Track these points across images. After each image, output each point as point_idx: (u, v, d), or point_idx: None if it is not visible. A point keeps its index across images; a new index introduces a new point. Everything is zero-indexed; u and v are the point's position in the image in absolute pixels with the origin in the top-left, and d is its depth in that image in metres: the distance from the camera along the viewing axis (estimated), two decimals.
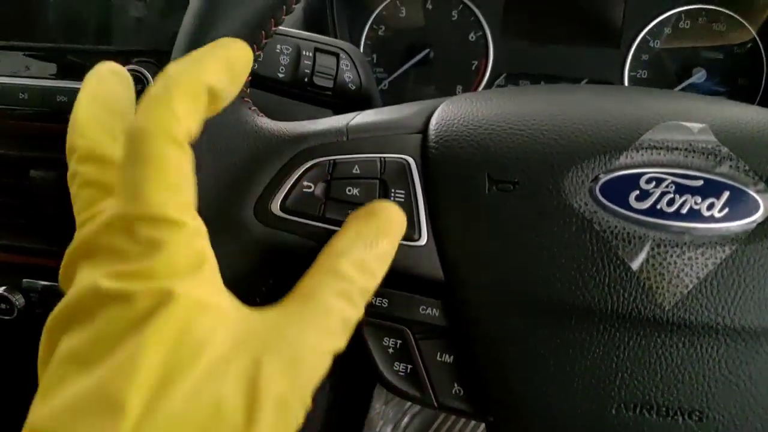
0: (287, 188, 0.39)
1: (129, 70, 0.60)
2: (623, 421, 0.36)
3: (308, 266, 0.39)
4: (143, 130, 0.30)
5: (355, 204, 0.38)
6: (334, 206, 0.38)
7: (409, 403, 0.87)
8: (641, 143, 0.36)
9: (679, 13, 0.73)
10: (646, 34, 0.74)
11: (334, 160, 0.39)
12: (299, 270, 0.34)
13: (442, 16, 0.77)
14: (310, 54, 0.54)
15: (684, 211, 0.35)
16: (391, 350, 0.39)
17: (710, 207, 0.35)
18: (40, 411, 0.28)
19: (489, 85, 0.78)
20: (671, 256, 0.35)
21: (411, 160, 0.39)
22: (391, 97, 0.79)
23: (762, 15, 0.72)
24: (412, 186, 0.38)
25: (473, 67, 0.78)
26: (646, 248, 0.35)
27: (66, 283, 0.32)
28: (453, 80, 0.79)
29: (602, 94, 0.42)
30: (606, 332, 0.35)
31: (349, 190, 0.38)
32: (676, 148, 0.36)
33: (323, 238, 0.38)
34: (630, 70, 0.75)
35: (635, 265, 0.35)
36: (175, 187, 0.30)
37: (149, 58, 0.63)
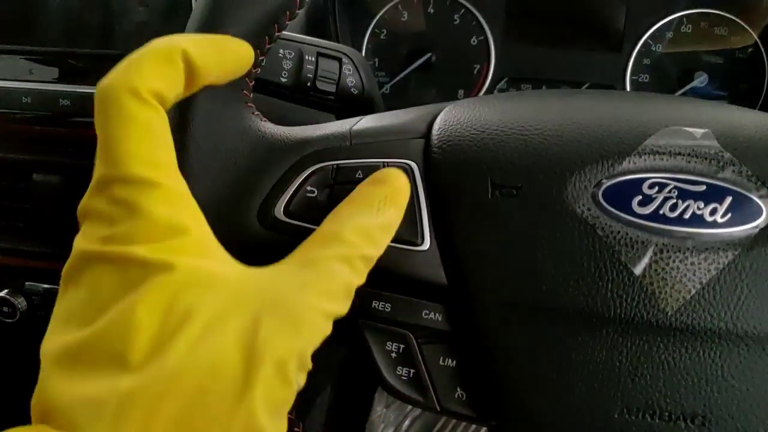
0: (291, 193, 0.39)
1: None
2: (626, 426, 0.36)
3: None
4: (107, 85, 0.30)
5: None
6: None
7: (410, 407, 0.87)
8: (644, 148, 0.36)
9: (681, 17, 0.73)
10: (648, 38, 0.74)
11: (337, 164, 0.39)
12: None
13: (443, 21, 0.78)
14: (313, 58, 0.54)
15: (687, 216, 0.35)
16: (393, 354, 0.39)
17: (713, 212, 0.35)
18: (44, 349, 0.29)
19: (490, 90, 0.78)
20: (674, 261, 0.35)
21: (414, 165, 0.39)
22: (393, 101, 0.79)
23: (764, 19, 0.72)
24: (414, 191, 0.38)
25: (475, 72, 0.78)
26: (649, 253, 0.35)
27: None
28: (455, 84, 0.79)
29: (605, 99, 0.42)
30: (609, 337, 0.35)
31: None
32: (679, 154, 0.36)
33: None
34: (632, 74, 0.75)
35: (638, 270, 0.35)
36: (145, 145, 0.30)
37: None
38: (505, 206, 0.37)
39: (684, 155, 0.36)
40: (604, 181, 0.36)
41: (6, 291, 0.76)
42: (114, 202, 0.30)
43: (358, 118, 0.42)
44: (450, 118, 0.40)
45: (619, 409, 0.36)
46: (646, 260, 0.35)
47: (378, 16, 0.79)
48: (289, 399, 0.31)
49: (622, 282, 0.35)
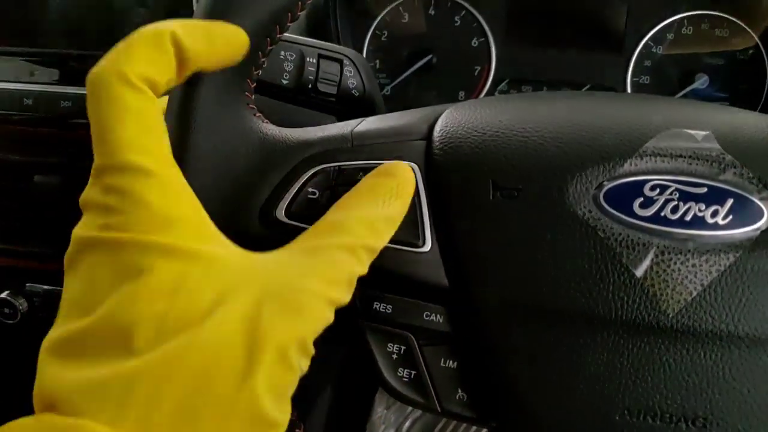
0: (292, 194, 0.39)
1: None
2: (627, 428, 0.36)
3: None
4: (97, 72, 0.30)
5: None
6: None
7: (411, 408, 0.87)
8: (645, 150, 0.36)
9: (682, 18, 0.73)
10: (649, 39, 0.74)
11: (339, 166, 0.39)
12: None
13: (444, 22, 0.78)
14: (314, 60, 0.54)
15: (688, 218, 0.35)
16: (395, 356, 0.40)
17: (714, 214, 0.35)
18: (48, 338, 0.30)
19: (491, 91, 0.78)
20: (675, 263, 0.35)
21: (415, 167, 0.39)
22: (394, 103, 0.79)
23: (764, 21, 0.72)
24: (416, 193, 0.38)
25: (476, 73, 0.78)
26: (650, 255, 0.35)
27: None
28: (455, 86, 0.79)
29: (606, 102, 0.42)
30: (610, 339, 0.35)
31: None
32: (680, 156, 0.36)
33: None
34: (632, 76, 0.75)
35: (639, 272, 0.35)
36: (137, 133, 0.30)
37: None
38: (506, 208, 0.37)
39: (685, 157, 0.36)
40: (605, 183, 0.36)
41: (7, 292, 0.76)
42: (109, 190, 0.30)
43: (359, 120, 0.42)
44: (451, 120, 0.40)
45: (620, 410, 0.36)
46: (647, 262, 0.35)
47: (379, 18, 0.79)
48: (292, 383, 0.31)
49: (623, 284, 0.35)
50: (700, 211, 0.35)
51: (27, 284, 0.76)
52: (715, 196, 0.35)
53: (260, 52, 0.38)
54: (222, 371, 0.29)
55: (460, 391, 0.39)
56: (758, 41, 0.72)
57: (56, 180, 0.68)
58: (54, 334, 0.30)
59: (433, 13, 0.78)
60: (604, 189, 0.36)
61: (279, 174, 0.39)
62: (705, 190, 0.35)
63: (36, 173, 0.70)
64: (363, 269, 0.34)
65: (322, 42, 0.56)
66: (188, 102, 0.36)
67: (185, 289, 0.29)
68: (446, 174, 0.38)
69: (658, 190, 0.35)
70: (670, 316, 0.34)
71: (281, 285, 0.31)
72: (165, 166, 0.31)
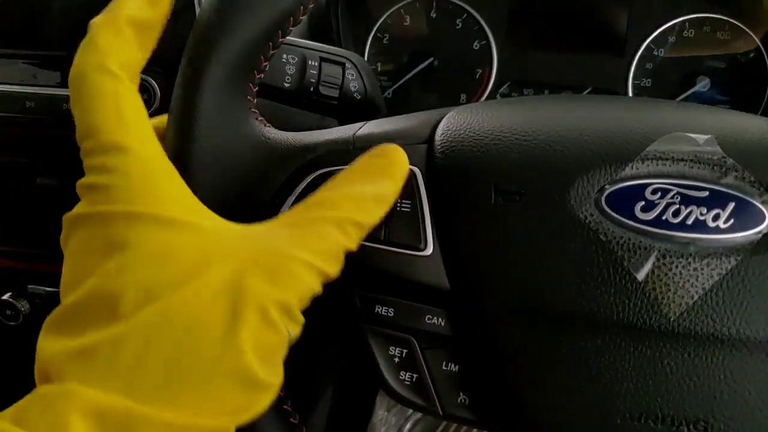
0: (295, 197, 0.39)
1: None
2: (628, 431, 0.36)
3: None
4: (72, 69, 0.33)
5: None
6: None
7: (412, 410, 0.87)
8: (647, 154, 0.36)
9: (683, 21, 0.73)
10: (650, 42, 0.74)
11: (341, 170, 0.39)
12: None
13: (446, 25, 0.78)
14: (316, 63, 0.54)
15: (689, 221, 0.35)
16: (396, 359, 0.40)
17: (716, 218, 0.35)
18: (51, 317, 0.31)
19: (493, 94, 0.78)
20: (676, 266, 0.35)
21: (417, 171, 0.39)
22: (396, 106, 0.79)
23: (766, 23, 0.72)
24: (418, 196, 0.38)
25: (477, 76, 0.78)
26: (652, 259, 0.35)
27: None
28: (457, 89, 0.79)
29: (608, 105, 0.42)
30: (611, 342, 0.35)
31: None
32: (682, 159, 0.36)
33: None
34: (634, 79, 0.75)
35: (641, 275, 0.35)
36: (112, 113, 0.32)
37: (154, 66, 0.63)
38: (508, 211, 0.37)
39: (687, 161, 0.36)
40: (607, 186, 0.36)
41: (9, 294, 0.76)
42: (92, 170, 0.32)
43: (361, 124, 0.42)
44: (452, 123, 0.40)
45: (622, 414, 0.36)
46: (648, 266, 0.35)
47: (380, 21, 0.79)
48: (279, 346, 0.32)
49: (624, 287, 0.35)
50: (701, 214, 0.35)
51: (29, 286, 0.77)
52: (716, 200, 0.35)
53: (262, 56, 0.38)
54: (206, 330, 0.29)
55: (461, 394, 0.39)
56: (760, 44, 0.72)
57: (58, 182, 0.69)
58: (52, 313, 0.31)
59: (434, 16, 0.78)
60: (606, 192, 0.36)
61: (281, 177, 0.39)
62: (706, 193, 0.35)
63: (38, 175, 0.70)
64: (351, 243, 0.34)
65: (324, 45, 0.56)
66: (190, 106, 0.36)
67: (170, 257, 0.30)
68: (448, 177, 0.38)
69: (659, 194, 0.35)
70: (672, 319, 0.34)
71: (265, 251, 0.32)
72: (145, 143, 0.33)
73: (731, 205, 0.35)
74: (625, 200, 0.35)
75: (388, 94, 0.79)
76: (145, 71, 0.62)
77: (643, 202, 0.35)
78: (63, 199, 0.67)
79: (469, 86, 0.78)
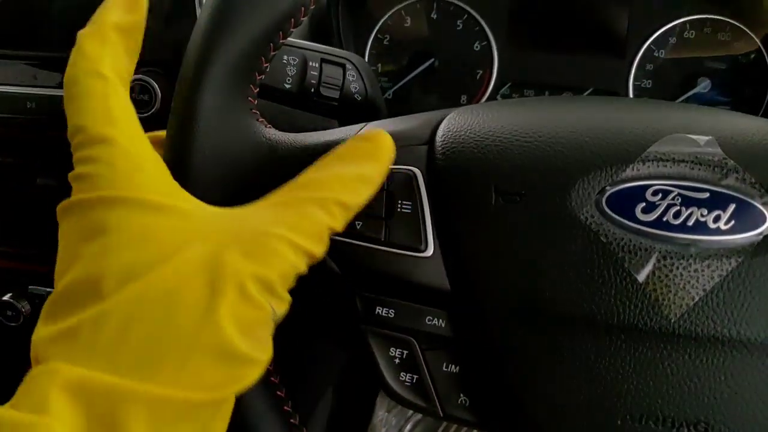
0: None
1: (135, 80, 0.61)
2: None
3: (314, 276, 0.40)
4: (66, 74, 0.35)
5: (362, 215, 0.38)
6: None
7: (412, 411, 0.87)
8: (647, 155, 0.36)
9: (684, 22, 0.73)
10: (651, 43, 0.74)
11: None
12: (306, 280, 0.34)
13: (446, 26, 0.78)
14: (317, 65, 0.54)
15: (690, 223, 0.35)
16: (397, 360, 0.40)
17: (716, 219, 0.35)
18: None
19: (493, 95, 0.78)
20: (677, 268, 0.35)
21: (417, 172, 0.39)
22: (396, 107, 0.79)
23: (767, 25, 0.72)
24: (418, 197, 0.38)
25: (478, 77, 0.78)
26: (652, 260, 0.35)
27: None
28: (457, 90, 0.79)
29: (608, 106, 0.42)
30: (612, 344, 0.35)
31: None
32: (683, 161, 0.36)
33: (330, 249, 0.38)
34: (634, 80, 0.75)
35: (641, 277, 0.35)
36: (100, 110, 0.34)
37: (155, 67, 0.63)
38: (508, 213, 0.37)
39: (687, 162, 0.36)
40: (607, 188, 0.36)
41: (10, 295, 0.76)
42: (80, 162, 0.33)
43: (362, 125, 0.42)
44: (453, 124, 0.40)
45: (622, 415, 0.36)
46: (649, 267, 0.35)
47: (381, 22, 0.79)
48: (262, 320, 0.32)
49: (625, 289, 0.35)
50: (702, 216, 0.35)
51: (29, 287, 0.77)
52: (717, 201, 0.35)
53: (263, 58, 0.38)
54: (185, 306, 0.30)
55: (462, 395, 0.39)
56: (760, 45, 0.72)
57: (58, 183, 0.69)
58: (46, 302, 0.32)
59: (435, 17, 0.78)
60: (607, 194, 0.36)
61: (282, 179, 0.39)
62: (707, 195, 0.35)
63: (38, 176, 0.70)
64: (336, 224, 0.34)
65: (325, 46, 0.56)
66: (191, 107, 0.36)
67: (150, 237, 0.31)
68: (448, 179, 0.38)
69: (660, 195, 0.35)
70: (672, 321, 0.34)
71: (244, 229, 0.32)
72: (131, 136, 0.34)
73: (732, 207, 0.35)
74: (625, 201, 0.35)
75: (389, 95, 0.79)
76: (145, 72, 0.62)
77: (644, 204, 0.35)
78: (62, 200, 0.68)
79: (470, 87, 0.78)
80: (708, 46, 0.73)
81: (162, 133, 0.40)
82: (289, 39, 0.41)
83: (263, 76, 0.40)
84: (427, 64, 0.78)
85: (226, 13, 0.37)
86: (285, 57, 0.53)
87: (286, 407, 0.41)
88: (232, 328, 0.30)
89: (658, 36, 0.73)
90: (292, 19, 0.38)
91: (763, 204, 0.35)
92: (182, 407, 0.29)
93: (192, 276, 0.30)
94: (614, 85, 0.75)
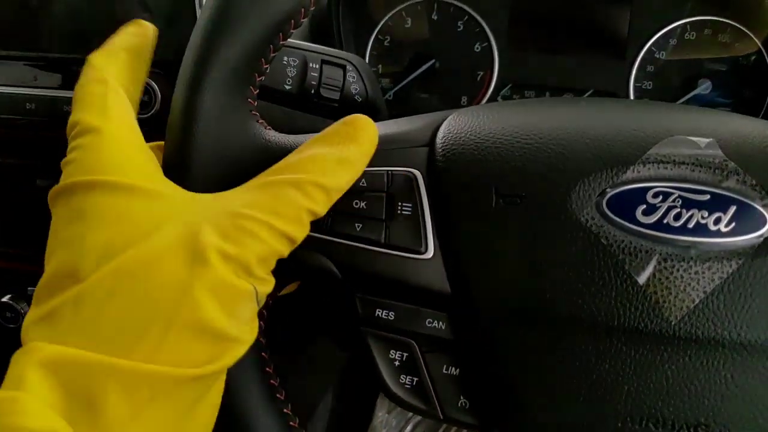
0: None
1: None
2: None
3: (314, 278, 0.40)
4: (76, 85, 0.37)
5: (362, 217, 0.38)
6: (341, 219, 0.39)
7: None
8: (648, 157, 0.36)
9: (685, 24, 0.73)
10: (652, 45, 0.74)
11: None
12: (305, 282, 0.34)
13: (447, 27, 0.77)
14: (317, 66, 0.54)
15: (691, 225, 0.35)
16: (397, 363, 0.40)
17: (717, 221, 0.35)
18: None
19: (494, 96, 0.78)
20: (678, 270, 0.35)
21: (418, 174, 0.39)
22: (397, 108, 0.79)
23: (767, 26, 0.72)
24: (419, 199, 0.38)
25: (478, 78, 0.78)
26: (653, 262, 0.35)
27: None
28: (458, 91, 0.79)
29: (609, 108, 0.42)
30: (612, 346, 0.35)
31: (356, 203, 0.39)
32: (683, 163, 0.36)
33: (330, 251, 0.38)
34: (635, 82, 0.74)
35: (642, 279, 0.35)
36: (96, 107, 0.35)
37: (155, 68, 0.63)
38: (508, 215, 0.37)
39: (688, 164, 0.36)
40: (608, 190, 0.36)
41: (9, 296, 0.76)
42: (71, 150, 0.35)
43: None
44: (453, 126, 0.40)
45: (623, 417, 0.36)
46: (650, 269, 0.35)
47: (382, 23, 0.79)
48: (242, 298, 0.32)
49: (625, 291, 0.35)
50: (702, 218, 0.35)
51: (29, 288, 0.77)
52: (717, 204, 0.35)
53: (263, 59, 0.38)
54: (161, 283, 0.30)
55: (462, 397, 0.39)
56: (761, 47, 0.72)
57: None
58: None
59: (435, 18, 0.78)
60: (607, 196, 0.36)
61: None
62: (708, 197, 0.35)
63: (38, 177, 0.70)
64: (315, 206, 0.34)
65: (325, 47, 0.56)
66: (190, 109, 0.36)
67: (126, 219, 0.32)
68: (449, 181, 0.38)
69: (660, 197, 0.35)
70: (673, 323, 0.34)
71: (220, 211, 0.33)
72: (119, 126, 0.35)
73: (732, 209, 0.35)
74: (626, 204, 0.35)
75: (389, 96, 0.79)
76: None
77: (645, 206, 0.35)
78: None
79: (471, 88, 0.78)
80: (708, 48, 0.73)
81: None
82: (289, 40, 0.41)
83: (263, 78, 0.40)
84: (427, 65, 0.78)
85: (226, 15, 0.37)
86: (285, 58, 0.53)
87: (285, 409, 0.41)
88: (211, 304, 0.30)
89: (658, 37, 0.73)
90: (292, 21, 0.38)
91: (764, 206, 0.35)
92: (160, 384, 0.29)
93: (169, 253, 0.31)
94: (615, 86, 0.75)
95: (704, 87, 0.72)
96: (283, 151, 0.40)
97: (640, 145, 0.37)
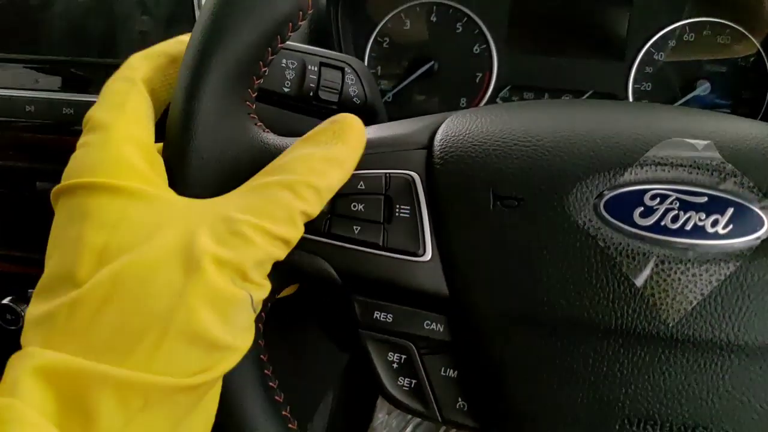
0: None
1: None
2: None
3: (313, 281, 0.40)
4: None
5: (360, 220, 0.38)
6: (340, 222, 0.39)
7: None
8: (645, 160, 0.36)
9: (684, 25, 0.73)
10: (651, 46, 0.74)
11: None
12: (304, 285, 0.35)
13: (446, 29, 0.78)
14: (316, 68, 0.54)
15: (688, 227, 0.35)
16: (395, 365, 0.40)
17: (714, 223, 0.35)
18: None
19: (493, 98, 0.78)
20: (675, 272, 0.35)
21: (416, 176, 0.39)
22: (396, 109, 0.79)
23: (766, 28, 0.72)
24: (417, 202, 0.38)
25: (477, 80, 0.78)
26: (650, 265, 0.35)
27: None
28: (457, 92, 0.79)
29: (607, 110, 0.42)
30: (610, 348, 0.35)
31: (354, 206, 0.39)
32: (681, 165, 0.36)
33: (329, 254, 0.38)
34: (634, 83, 0.74)
35: (639, 281, 0.35)
36: (110, 101, 0.36)
37: None
38: (506, 217, 0.37)
39: (686, 166, 0.36)
40: (605, 192, 0.36)
41: (9, 298, 0.76)
42: (78, 147, 0.35)
43: None
44: (451, 129, 0.40)
45: (620, 420, 0.36)
46: (647, 271, 0.35)
47: (381, 25, 0.79)
48: (237, 305, 0.32)
49: (623, 293, 0.35)
50: (700, 220, 0.35)
51: (29, 290, 0.77)
52: (715, 206, 0.35)
53: (261, 62, 0.38)
54: (157, 289, 0.30)
55: (460, 400, 0.39)
56: (760, 48, 0.72)
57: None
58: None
59: (434, 19, 0.78)
60: (605, 198, 0.36)
61: None
62: (705, 199, 0.35)
63: (38, 179, 0.70)
64: (307, 206, 0.34)
65: (324, 50, 0.56)
66: (189, 112, 0.36)
67: (126, 222, 0.32)
68: (447, 183, 0.38)
69: (658, 200, 0.35)
70: (670, 325, 0.34)
71: (215, 216, 0.33)
72: (131, 124, 0.35)
73: (730, 211, 0.35)
74: (623, 206, 0.35)
75: (389, 97, 0.79)
76: None
77: (642, 208, 0.35)
78: None
79: (470, 90, 0.78)
80: (707, 49, 0.73)
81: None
82: (287, 42, 0.41)
83: (261, 81, 0.40)
84: (426, 67, 0.78)
85: (224, 18, 0.37)
86: (284, 61, 0.53)
87: (284, 412, 0.41)
88: (206, 312, 0.30)
89: (657, 39, 0.73)
90: (290, 24, 0.38)
91: (761, 208, 0.35)
92: (153, 392, 0.29)
93: (164, 260, 0.31)
94: (614, 87, 0.75)
95: (703, 88, 0.72)
96: (280, 154, 0.40)
97: (637, 148, 0.37)
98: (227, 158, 0.38)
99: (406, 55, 0.79)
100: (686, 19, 0.73)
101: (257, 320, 0.39)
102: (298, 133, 0.42)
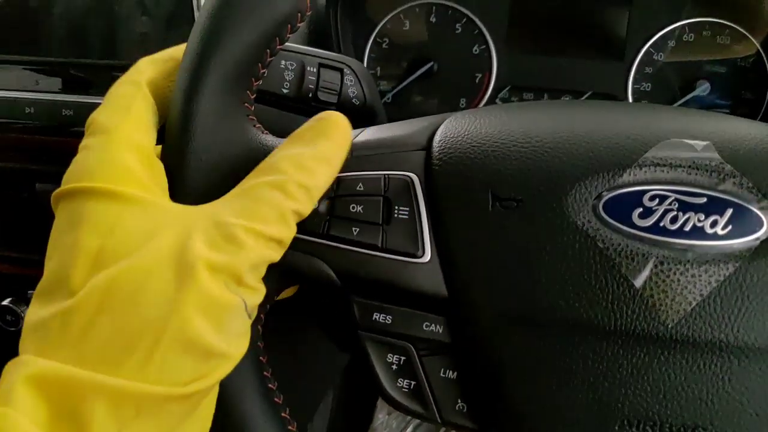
0: None
1: None
2: None
3: (312, 283, 0.40)
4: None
5: (359, 221, 0.38)
6: (338, 223, 0.39)
7: None
8: (644, 160, 0.36)
9: (683, 25, 0.73)
10: (650, 47, 0.74)
11: (338, 177, 0.39)
12: (303, 287, 0.34)
13: (445, 29, 0.78)
14: (315, 69, 0.54)
15: (687, 228, 0.35)
16: (394, 366, 0.40)
17: (713, 224, 0.35)
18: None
19: (492, 98, 0.78)
20: (674, 273, 0.35)
21: (415, 178, 0.39)
22: (395, 110, 0.79)
23: (766, 28, 0.72)
24: (416, 203, 0.38)
25: (477, 80, 0.78)
26: (650, 265, 0.35)
27: None
28: (456, 93, 0.79)
29: (606, 111, 0.42)
30: (609, 349, 0.35)
31: (353, 208, 0.39)
32: (680, 166, 0.36)
33: (327, 256, 0.38)
34: (633, 83, 0.75)
35: (638, 282, 0.35)
36: (113, 104, 0.36)
37: None
38: (505, 218, 0.37)
39: (685, 167, 0.36)
40: (604, 193, 0.36)
41: (9, 299, 0.76)
42: (80, 148, 0.35)
43: (359, 130, 0.42)
44: (450, 130, 0.40)
45: (620, 421, 0.36)
46: (646, 272, 0.35)
47: (380, 26, 0.79)
48: (232, 312, 0.32)
49: (622, 294, 0.35)
50: (699, 221, 0.35)
51: (29, 292, 0.77)
52: (714, 206, 0.35)
53: (260, 63, 0.38)
54: (151, 297, 0.30)
55: (459, 401, 0.39)
56: (759, 48, 0.72)
57: (57, 188, 0.69)
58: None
59: (434, 20, 0.78)
60: (604, 199, 0.36)
61: None
62: (704, 200, 0.35)
63: (37, 181, 0.70)
64: (299, 206, 0.34)
65: (323, 51, 0.56)
66: (188, 114, 0.36)
67: (121, 228, 0.32)
68: (446, 184, 0.38)
69: (657, 201, 0.35)
70: (670, 326, 0.34)
71: (208, 221, 0.33)
72: (133, 128, 0.35)
73: (729, 212, 0.35)
74: (622, 207, 0.35)
75: (388, 98, 0.79)
76: None
77: (641, 209, 0.35)
78: None
79: (469, 91, 0.78)
80: (707, 50, 0.73)
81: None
82: (286, 44, 0.41)
83: (260, 82, 0.40)
84: (426, 67, 0.78)
85: (223, 19, 0.37)
86: (283, 62, 0.53)
87: (283, 413, 0.41)
88: (200, 319, 0.30)
89: (657, 39, 0.73)
90: (289, 25, 0.38)
91: (761, 209, 0.35)
92: (146, 402, 0.29)
93: (158, 267, 0.30)
94: (613, 88, 0.75)
95: (703, 89, 0.72)
96: None
97: (636, 148, 0.37)
98: (226, 160, 0.38)
99: (405, 56, 0.79)
100: (686, 19, 0.73)
101: (256, 322, 0.39)
102: None
